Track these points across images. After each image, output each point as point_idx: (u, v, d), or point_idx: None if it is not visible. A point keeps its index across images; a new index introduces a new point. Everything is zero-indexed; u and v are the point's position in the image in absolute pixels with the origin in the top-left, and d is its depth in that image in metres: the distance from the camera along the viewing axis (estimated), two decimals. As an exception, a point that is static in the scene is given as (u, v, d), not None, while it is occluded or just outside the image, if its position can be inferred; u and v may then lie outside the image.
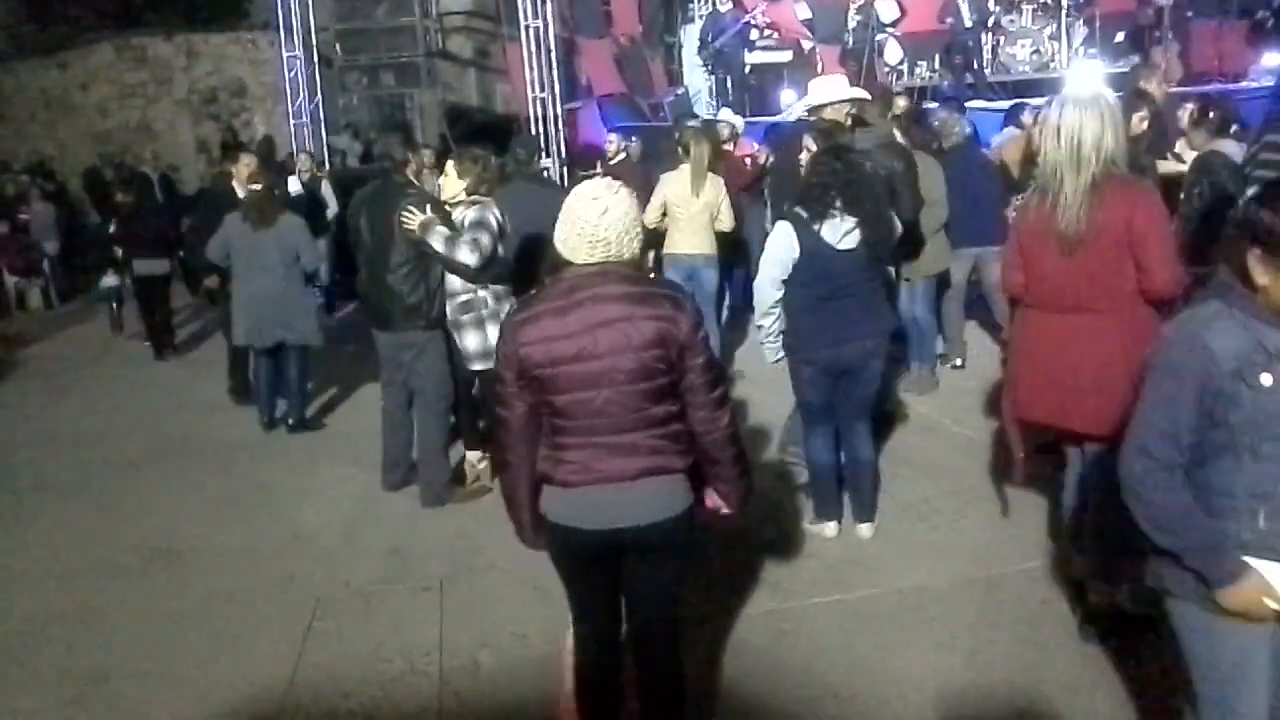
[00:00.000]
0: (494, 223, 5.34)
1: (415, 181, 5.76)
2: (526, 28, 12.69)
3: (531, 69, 12.77)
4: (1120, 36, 13.96)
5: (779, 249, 4.33)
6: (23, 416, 8.31)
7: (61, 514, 6.00)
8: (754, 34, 14.88)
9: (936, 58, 14.99)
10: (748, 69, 14.82)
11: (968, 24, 13.61)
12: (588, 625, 3.04)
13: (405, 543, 5.23)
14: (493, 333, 5.34)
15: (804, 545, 4.76)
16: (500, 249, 5.42)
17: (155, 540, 5.48)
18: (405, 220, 5.34)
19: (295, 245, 6.90)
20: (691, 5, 17.69)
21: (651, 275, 4.52)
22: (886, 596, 4.24)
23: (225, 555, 5.25)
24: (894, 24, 15.68)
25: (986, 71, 13.81)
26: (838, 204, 4.27)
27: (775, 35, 15.21)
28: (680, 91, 15.35)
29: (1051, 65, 13.67)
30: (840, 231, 4.30)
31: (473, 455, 5.94)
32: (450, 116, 23.72)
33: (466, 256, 5.21)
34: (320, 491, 6.08)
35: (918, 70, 15.00)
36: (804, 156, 4.94)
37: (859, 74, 14.88)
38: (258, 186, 6.99)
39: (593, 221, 2.69)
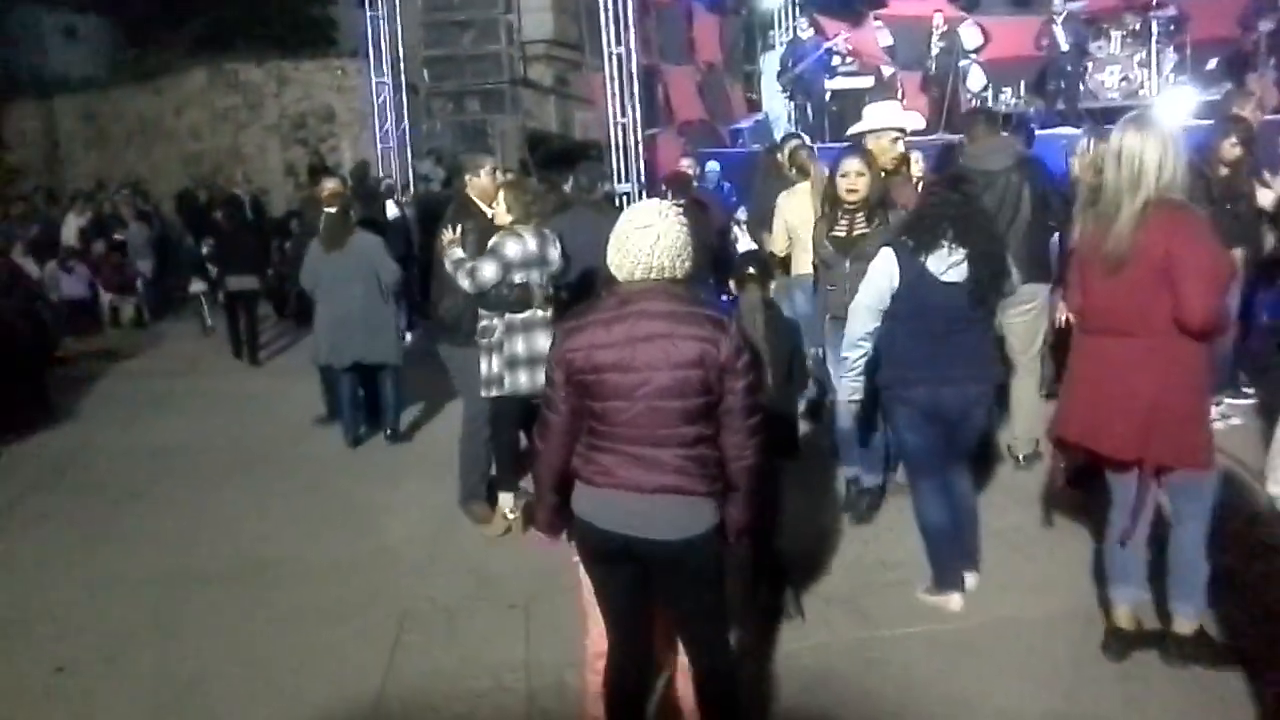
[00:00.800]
0: (510, 254, 5.26)
1: (478, 203, 5.76)
2: (610, 54, 12.78)
3: (614, 95, 12.86)
4: (1213, 63, 13.67)
5: (880, 277, 4.14)
6: (117, 429, 8.53)
7: (154, 524, 6.13)
8: (835, 60, 14.84)
9: (1022, 84, 14.81)
10: (828, 95, 14.78)
11: (1064, 48, 13.38)
12: (615, 633, 3.09)
13: (488, 562, 5.24)
14: (496, 363, 5.40)
15: (892, 573, 4.67)
16: (520, 277, 5.32)
17: (245, 551, 5.58)
18: (441, 239, 5.49)
19: (372, 263, 7.02)
20: (772, 33, 17.74)
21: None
22: (982, 628, 4.12)
23: (313, 568, 5.31)
24: (977, 50, 15.55)
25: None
26: (949, 235, 4.03)
27: (857, 61, 15.14)
28: (760, 118, 15.34)
29: (1141, 92, 13.37)
30: (947, 263, 4.04)
31: (506, 499, 5.70)
32: (531, 143, 24.09)
33: (461, 281, 5.30)
34: (403, 507, 6.13)
35: (1002, 96, 14.79)
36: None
37: (942, 100, 14.82)
38: (333, 209, 7.13)
39: (645, 250, 2.81)
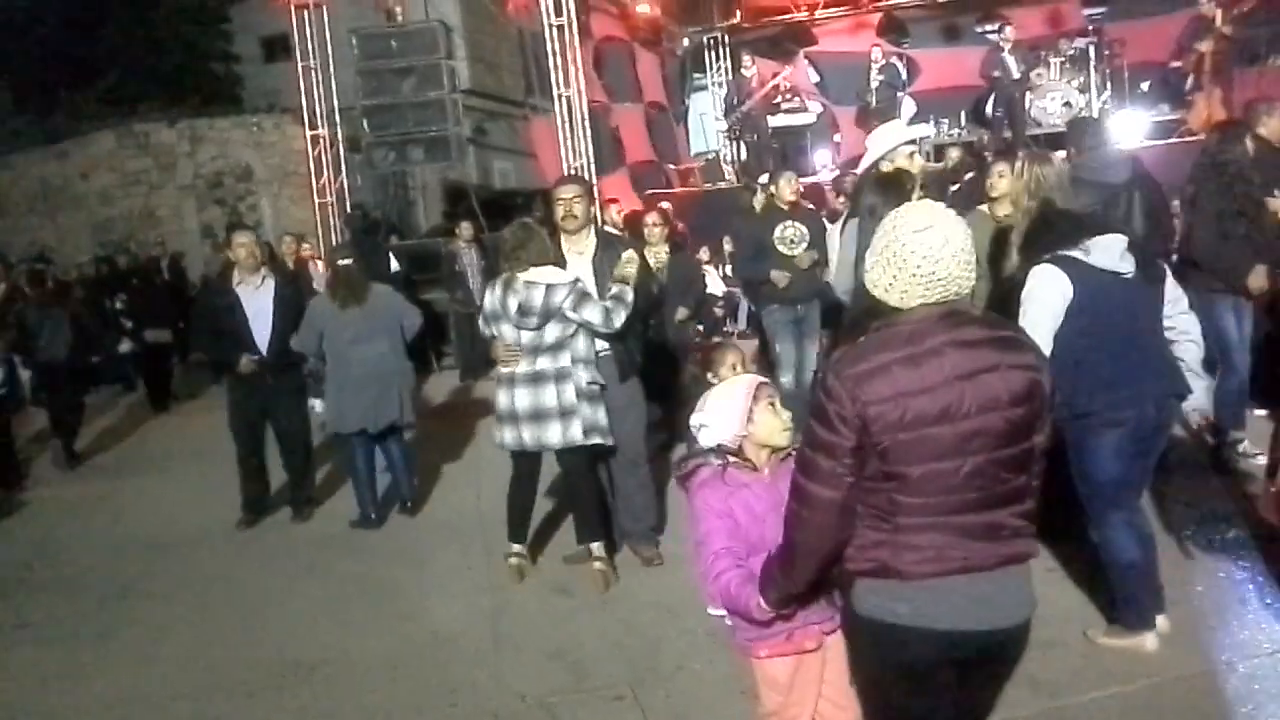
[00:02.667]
0: (485, 307, 5.36)
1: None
2: (559, 96, 12.42)
3: (565, 138, 12.48)
4: (1145, 86, 13.98)
5: (1049, 293, 3.70)
6: (83, 512, 7.69)
7: (157, 626, 5.41)
8: (777, 98, 14.79)
9: (962, 114, 14.95)
10: (771, 132, 14.71)
11: (1015, 76, 13.50)
12: None
13: (567, 644, 4.69)
14: None
15: (1050, 629, 4.26)
16: (490, 331, 5.33)
17: (284, 652, 4.92)
18: None
19: (396, 315, 6.50)
20: (697, 75, 17.64)
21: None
22: (1173, 686, 3.73)
23: (368, 665, 4.69)
24: (910, 82, 15.72)
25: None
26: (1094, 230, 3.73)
27: (798, 99, 15.12)
28: (711, 157, 15.15)
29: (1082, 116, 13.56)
30: (1115, 254, 3.69)
31: (598, 546, 5.36)
32: (452, 194, 23.59)
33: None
34: (446, 585, 5.57)
35: (942, 127, 14.89)
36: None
37: (885, 133, 14.85)
38: (348, 261, 6.55)
39: (932, 256, 2.22)
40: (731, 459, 2.74)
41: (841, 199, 7.07)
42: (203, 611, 5.53)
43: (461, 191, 23.30)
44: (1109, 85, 13.72)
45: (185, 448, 9.54)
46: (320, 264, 13.43)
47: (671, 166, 14.58)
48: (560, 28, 12.34)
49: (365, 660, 4.75)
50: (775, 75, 14.95)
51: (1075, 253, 3.73)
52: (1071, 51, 13.85)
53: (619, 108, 13.69)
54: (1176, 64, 13.65)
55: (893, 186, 4.47)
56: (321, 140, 13.57)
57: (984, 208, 6.23)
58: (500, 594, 5.32)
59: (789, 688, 2.76)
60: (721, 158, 15.20)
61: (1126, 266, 3.72)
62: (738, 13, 16.77)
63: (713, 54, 17.33)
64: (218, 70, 23.08)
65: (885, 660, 2.34)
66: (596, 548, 5.32)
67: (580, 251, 5.34)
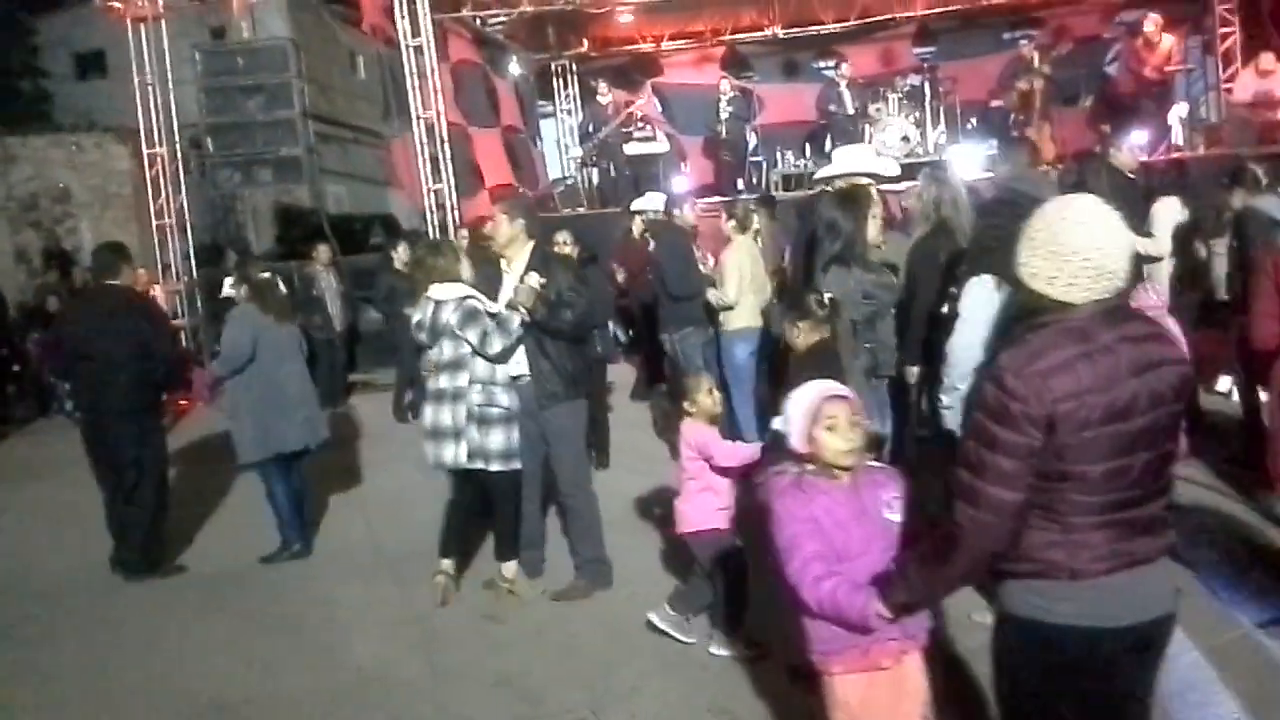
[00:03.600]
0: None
1: None
2: (418, 119, 12.20)
3: (425, 161, 12.26)
4: (972, 123, 14.84)
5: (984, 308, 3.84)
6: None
7: (60, 673, 4.96)
8: (631, 126, 14.96)
9: (806, 146, 15.48)
10: (626, 160, 14.86)
11: (850, 111, 14.10)
12: None
13: (510, 671, 4.54)
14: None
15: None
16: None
17: (197, 694, 4.59)
18: None
19: (299, 336, 6.25)
20: (543, 102, 17.66)
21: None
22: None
23: (298, 704, 4.44)
24: (756, 116, 16.21)
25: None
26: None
27: (649, 127, 15.34)
28: (570, 182, 15.16)
29: (918, 150, 14.24)
30: None
31: (509, 568, 5.37)
32: (284, 218, 22.82)
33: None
34: (359, 619, 5.32)
35: (787, 158, 15.37)
36: None
37: (733, 165, 15.27)
38: (267, 275, 6.25)
39: (1101, 249, 2.18)
40: (809, 466, 2.71)
41: (732, 223, 7.17)
42: (94, 656, 5.11)
43: (294, 214, 22.60)
44: (942, 121, 14.48)
45: (26, 478, 8.83)
46: (159, 289, 12.75)
47: (529, 191, 14.50)
48: (418, 49, 12.15)
49: (294, 700, 4.49)
50: (629, 103, 15.12)
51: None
52: (907, 88, 14.54)
53: (476, 131, 13.55)
54: (998, 102, 14.61)
55: (851, 203, 4.58)
56: (160, 160, 12.85)
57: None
58: (425, 624, 5.13)
59: (860, 710, 2.67)
60: (579, 183, 15.24)
61: None
62: (585, 41, 16.90)
63: (560, 81, 17.39)
64: (24, 87, 21.61)
65: (1041, 662, 2.28)
66: (506, 568, 5.32)
67: (509, 271, 5.26)
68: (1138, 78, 13.02)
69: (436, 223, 12.30)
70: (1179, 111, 12.86)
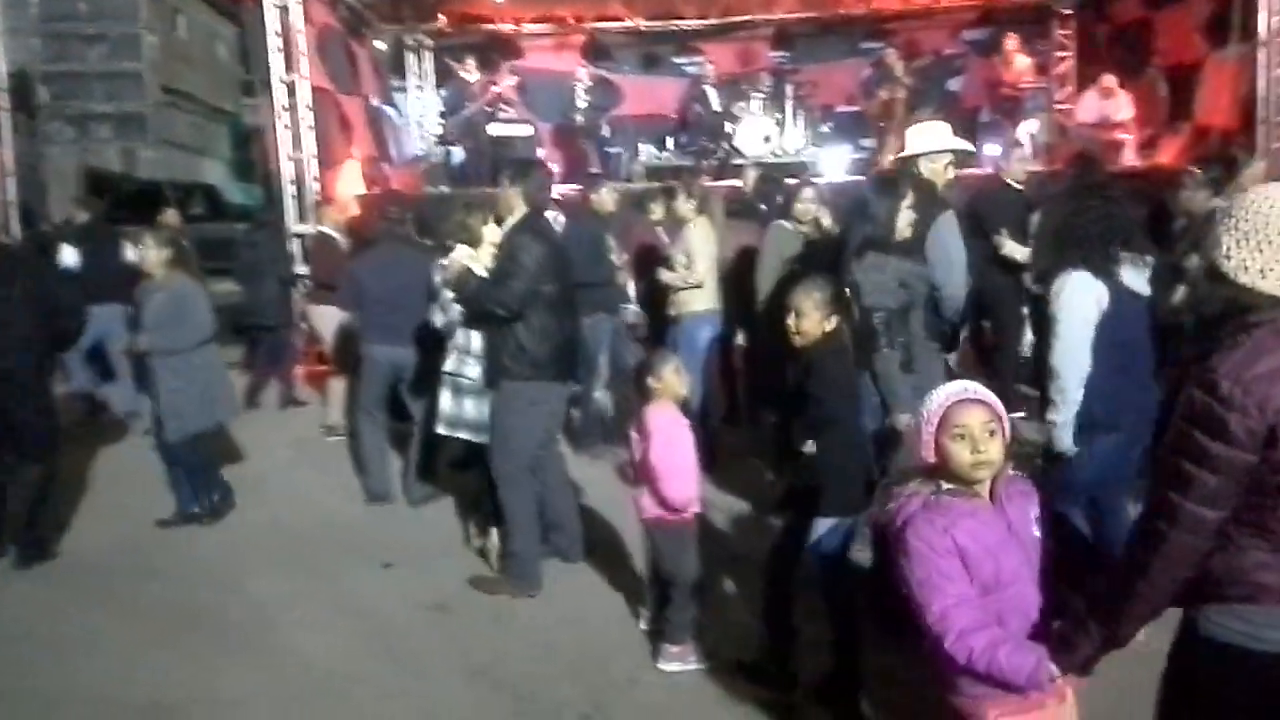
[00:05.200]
0: None
1: None
2: (280, 82, 11.46)
3: (286, 126, 11.53)
4: (831, 125, 15.24)
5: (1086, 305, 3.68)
6: None
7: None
8: (495, 107, 14.58)
9: (669, 140, 15.50)
10: (489, 141, 14.47)
11: (716, 109, 14.19)
12: None
13: (485, 664, 4.27)
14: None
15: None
16: None
17: (131, 695, 4.11)
18: None
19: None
20: (395, 78, 16.98)
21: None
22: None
23: (251, 704, 4.04)
24: (615, 107, 16.11)
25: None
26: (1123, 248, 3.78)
27: (512, 109, 15.00)
28: (435, 159, 14.59)
29: (779, 151, 14.47)
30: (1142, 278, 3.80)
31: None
32: (94, 183, 21.12)
33: None
34: (287, 610, 4.90)
35: (650, 150, 15.35)
36: None
37: (588, 154, 15.13)
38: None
39: None
40: (946, 485, 2.37)
41: (692, 203, 7.00)
42: (4, 663, 4.47)
43: (103, 178, 20.90)
44: (803, 123, 14.77)
45: None
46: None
47: (388, 166, 13.89)
48: (283, 9, 11.41)
49: (240, 700, 4.07)
50: (493, 83, 14.72)
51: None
52: (768, 88, 14.78)
53: (345, 98, 12.86)
54: (857, 108, 15.05)
55: (890, 187, 4.46)
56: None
57: (786, 222, 6.59)
58: (369, 616, 4.78)
59: None
60: (444, 162, 14.69)
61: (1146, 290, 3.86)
62: (442, 17, 16.35)
63: (415, 57, 16.76)
64: None
65: (1239, 692, 2.12)
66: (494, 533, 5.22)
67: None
68: (991, 93, 13.64)
69: (294, 195, 11.59)
70: (1029, 128, 13.53)
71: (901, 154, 5.19)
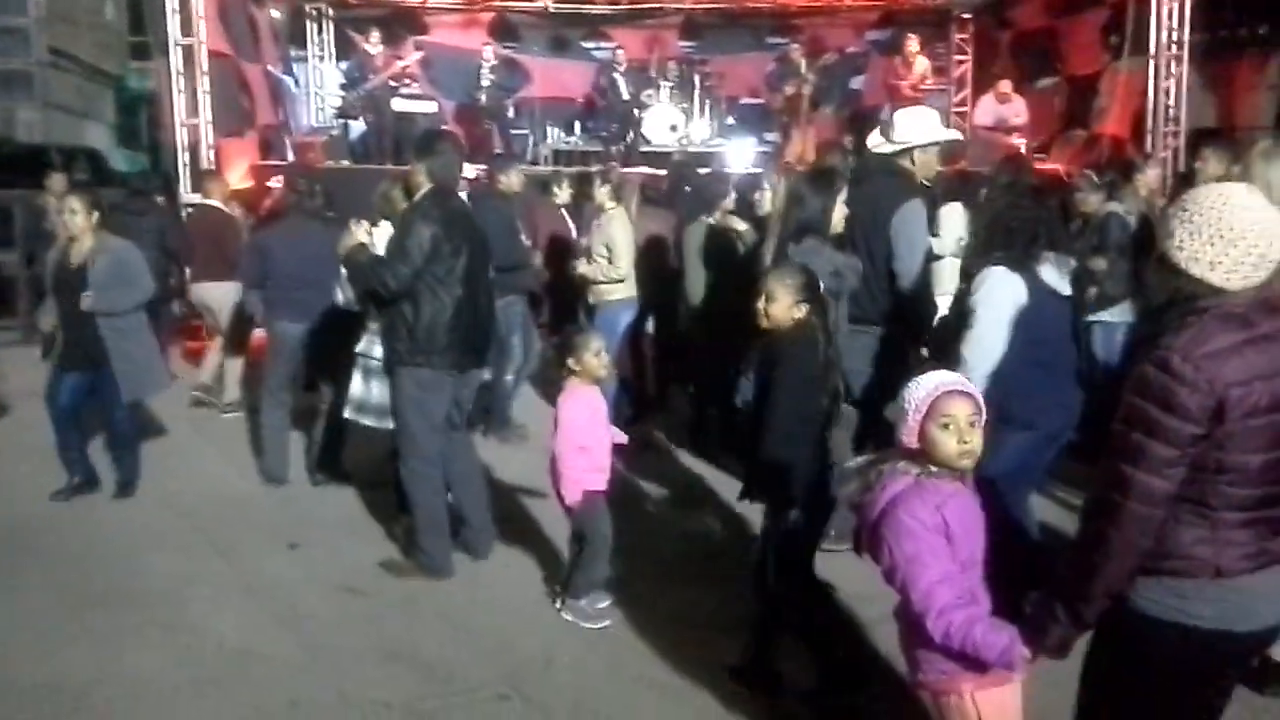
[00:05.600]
0: None
1: None
2: (175, 45, 11.03)
3: (180, 91, 11.11)
4: (736, 117, 15.39)
5: (1005, 300, 3.77)
6: None
7: None
8: (400, 82, 14.29)
9: (577, 125, 15.45)
10: (393, 116, 14.18)
11: (625, 97, 14.19)
12: None
13: (399, 646, 4.20)
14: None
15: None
16: None
17: (19, 676, 3.92)
18: None
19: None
20: (295, 48, 16.51)
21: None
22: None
23: (158, 685, 3.90)
24: (522, 89, 15.95)
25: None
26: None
27: (416, 85, 14.74)
28: (335, 132, 14.22)
29: (685, 140, 14.53)
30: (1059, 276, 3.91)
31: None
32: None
33: None
34: (193, 589, 4.76)
35: (555, 134, 15.27)
36: None
37: (491, 134, 14.96)
38: None
39: (1266, 236, 2.14)
40: (931, 468, 2.43)
41: (606, 189, 6.98)
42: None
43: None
44: (710, 113, 14.87)
45: None
46: None
47: (290, 137, 13.50)
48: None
49: (150, 680, 3.94)
50: (398, 58, 14.43)
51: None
52: (676, 77, 14.83)
53: (247, 65, 12.44)
54: (760, 101, 15.24)
55: (823, 180, 4.48)
56: None
57: (708, 217, 6.70)
58: (279, 597, 4.67)
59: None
60: (343, 135, 14.32)
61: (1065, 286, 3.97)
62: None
63: (314, 26, 16.31)
64: None
65: (1167, 666, 2.22)
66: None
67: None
68: (893, 93, 13.95)
69: (186, 163, 11.17)
70: (929, 129, 13.88)
71: (900, 143, 5.10)
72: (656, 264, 7.10)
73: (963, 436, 2.40)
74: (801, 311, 3.57)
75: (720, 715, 3.63)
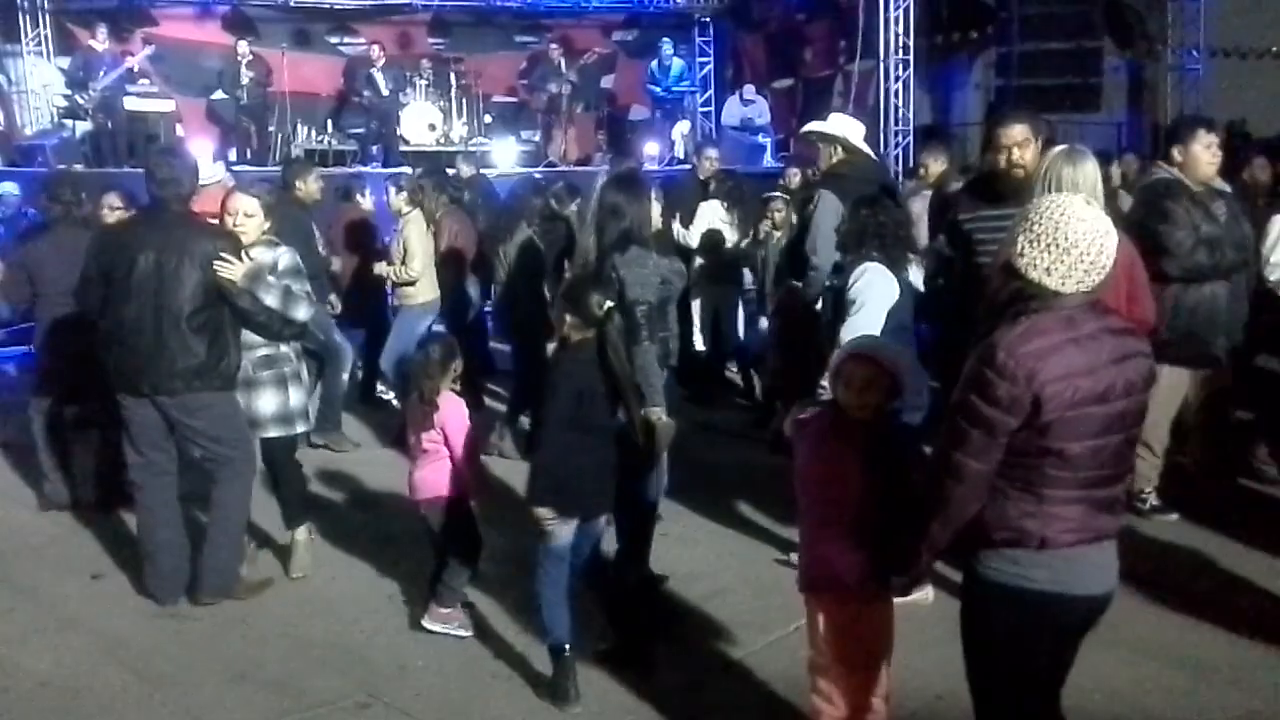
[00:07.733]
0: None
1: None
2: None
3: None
4: (493, 116, 15.42)
5: (884, 295, 4.22)
6: None
7: None
8: (132, 79, 13.40)
9: (329, 123, 15.02)
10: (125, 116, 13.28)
11: (385, 93, 13.94)
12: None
13: (239, 666, 4.10)
14: (295, 394, 4.80)
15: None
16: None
17: None
18: (221, 268, 4.30)
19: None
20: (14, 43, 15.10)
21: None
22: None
23: (52, 688, 3.68)
24: (265, 83, 15.31)
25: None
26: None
27: (151, 81, 13.87)
28: (65, 135, 13.11)
29: (444, 139, 14.40)
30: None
31: (302, 534, 5.01)
32: None
33: (302, 312, 4.60)
34: (6, 622, 4.42)
35: (306, 132, 14.79)
36: None
37: (250, 133, 14.35)
38: None
39: (1097, 244, 2.37)
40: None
41: (404, 195, 6.91)
42: None
43: None
44: (465, 112, 14.82)
45: None
46: None
47: (10, 140, 12.38)
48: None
49: (47, 681, 3.91)
50: (127, 53, 13.54)
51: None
52: (431, 74, 14.67)
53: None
54: (516, 99, 15.37)
55: (634, 185, 4.46)
56: None
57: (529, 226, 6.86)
58: (95, 631, 4.42)
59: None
60: (73, 137, 13.22)
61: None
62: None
63: (28, 19, 14.99)
64: None
65: (1013, 625, 2.51)
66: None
67: None
68: (644, 93, 14.46)
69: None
70: (682, 129, 14.44)
71: (817, 130, 5.29)
72: (458, 266, 7.10)
73: (858, 394, 3.06)
74: (587, 332, 3.70)
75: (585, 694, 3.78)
